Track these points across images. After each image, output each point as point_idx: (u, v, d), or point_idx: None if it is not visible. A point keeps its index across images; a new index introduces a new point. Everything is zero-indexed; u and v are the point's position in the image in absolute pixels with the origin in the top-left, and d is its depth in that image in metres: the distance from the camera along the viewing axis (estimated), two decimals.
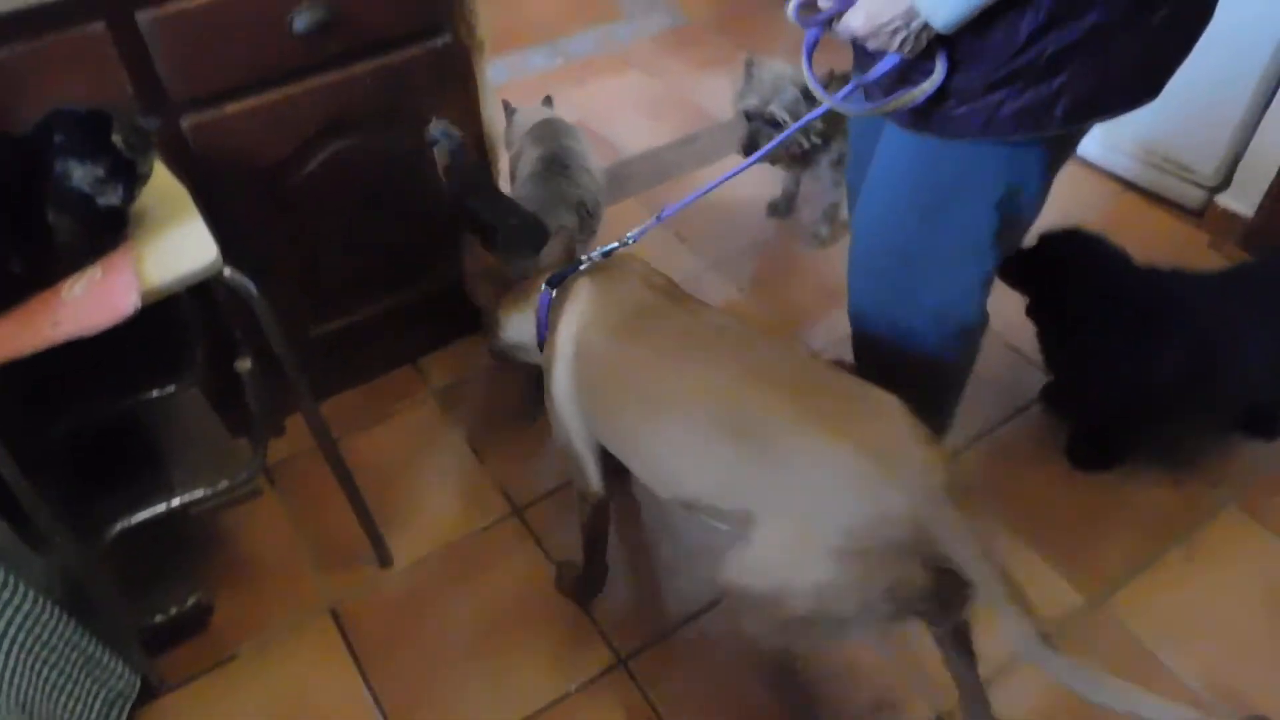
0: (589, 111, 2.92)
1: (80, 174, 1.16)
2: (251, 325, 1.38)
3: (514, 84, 3.13)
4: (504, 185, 2.11)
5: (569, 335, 1.34)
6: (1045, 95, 1.12)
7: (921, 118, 1.21)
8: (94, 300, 1.15)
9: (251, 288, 1.30)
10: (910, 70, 1.18)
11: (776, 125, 2.07)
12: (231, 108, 1.55)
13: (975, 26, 1.07)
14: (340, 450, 1.60)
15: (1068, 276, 1.69)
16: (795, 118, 2.04)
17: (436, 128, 1.71)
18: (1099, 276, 1.69)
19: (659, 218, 1.43)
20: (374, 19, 1.59)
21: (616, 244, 1.44)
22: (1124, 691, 0.96)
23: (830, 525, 1.06)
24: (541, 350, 1.43)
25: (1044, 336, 1.80)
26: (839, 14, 1.13)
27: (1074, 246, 1.71)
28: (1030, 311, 1.78)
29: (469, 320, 2.09)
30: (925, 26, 1.08)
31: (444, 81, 1.73)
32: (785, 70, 2.11)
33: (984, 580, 1.01)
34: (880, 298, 1.47)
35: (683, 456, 1.23)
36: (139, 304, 1.15)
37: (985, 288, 1.43)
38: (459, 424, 1.97)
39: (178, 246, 1.25)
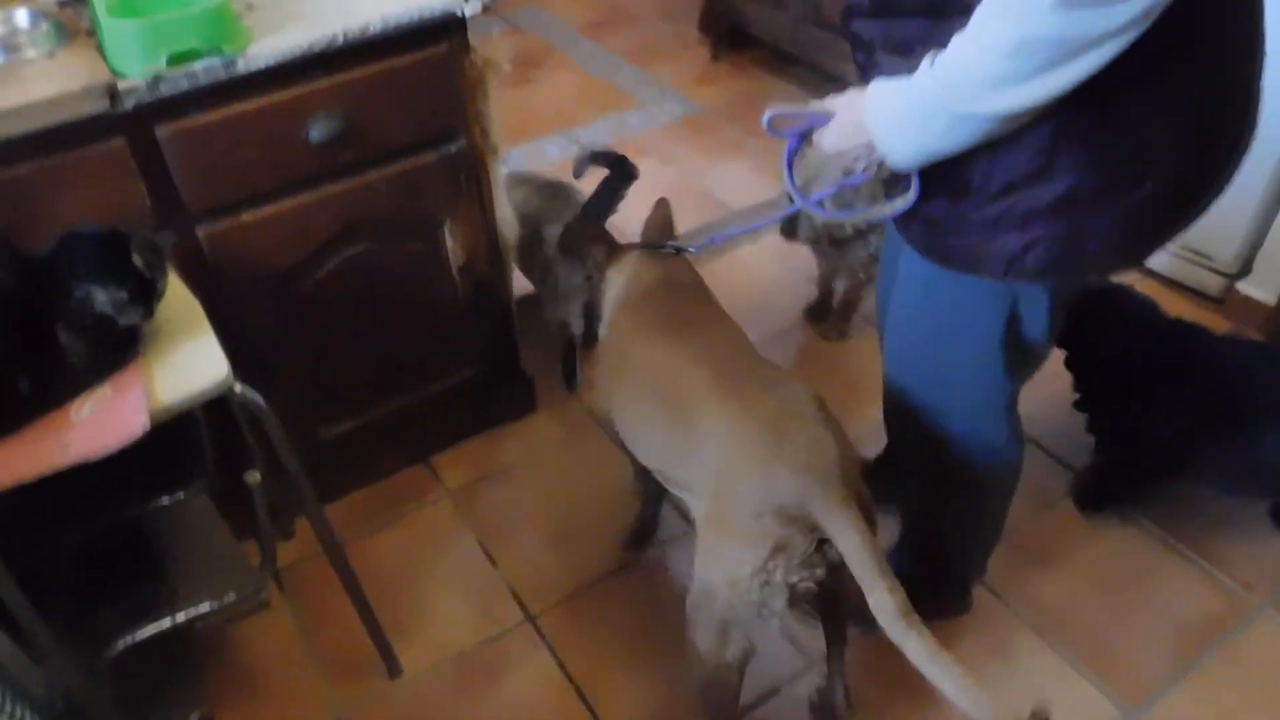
0: None
1: (103, 298, 1.16)
2: (261, 433, 1.36)
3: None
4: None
5: (609, 305, 1.55)
6: (1017, 247, 1.11)
7: (926, 244, 1.21)
8: (103, 421, 1.14)
9: (261, 402, 1.29)
10: (891, 187, 1.18)
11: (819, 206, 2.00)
12: (247, 216, 1.56)
13: (954, 163, 1.06)
14: (350, 553, 1.57)
15: (1099, 324, 1.72)
16: (840, 205, 1.96)
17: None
18: (1127, 323, 1.74)
19: (713, 240, 1.67)
20: (389, 128, 1.60)
21: (676, 246, 1.58)
22: (964, 689, 1.04)
23: (740, 506, 1.18)
24: None
25: (1078, 383, 1.82)
26: (811, 130, 1.18)
27: (1104, 296, 1.75)
28: (1069, 363, 1.81)
29: (481, 417, 2.09)
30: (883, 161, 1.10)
31: (457, 185, 1.74)
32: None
33: (854, 553, 1.11)
34: (910, 417, 1.45)
35: (640, 425, 1.42)
36: (148, 425, 1.14)
37: (1009, 414, 1.41)
38: (471, 526, 1.94)
39: (188, 362, 1.24)
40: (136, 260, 1.19)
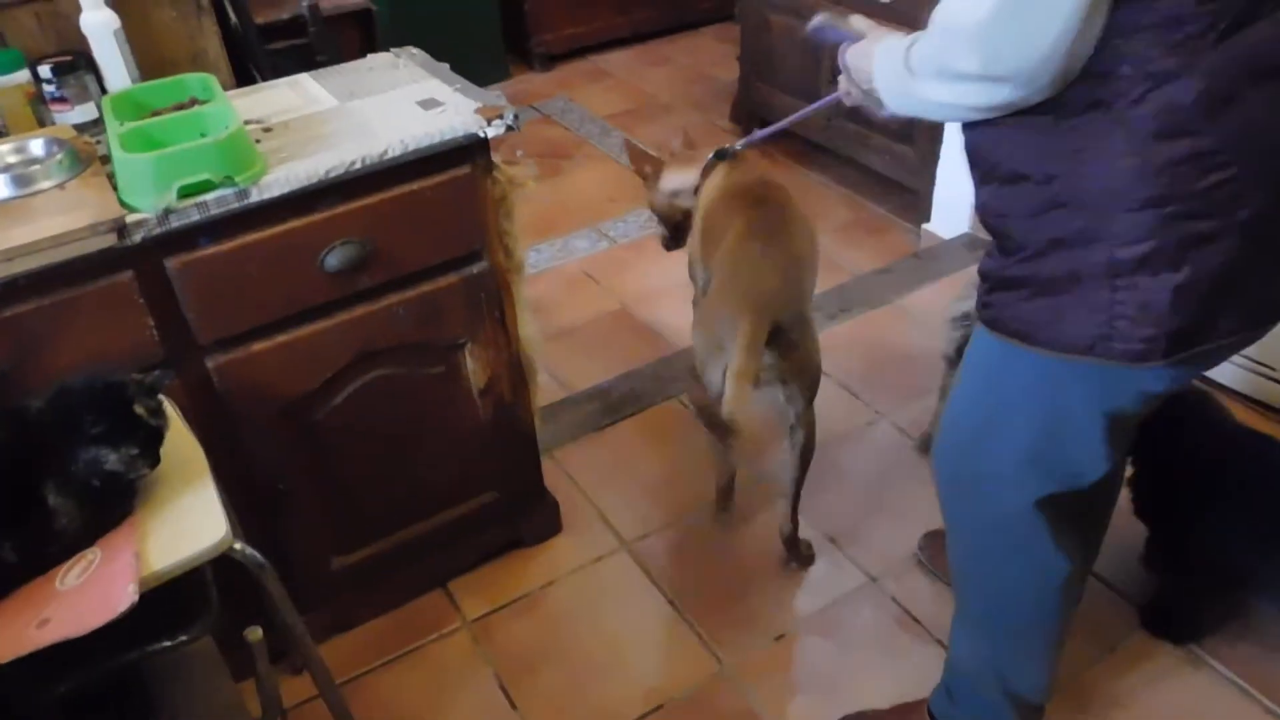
0: (634, 296, 2.88)
1: (115, 458, 1.09)
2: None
3: (557, 270, 3.11)
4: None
5: (704, 193, 1.94)
6: (1033, 314, 1.09)
7: (980, 302, 1.18)
8: (89, 592, 1.05)
9: (261, 560, 1.20)
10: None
11: None
12: (259, 346, 1.49)
13: (997, 209, 1.10)
14: (362, 691, 1.49)
15: (1174, 434, 1.62)
16: None
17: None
18: (1205, 436, 1.65)
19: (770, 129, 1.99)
20: (409, 253, 1.54)
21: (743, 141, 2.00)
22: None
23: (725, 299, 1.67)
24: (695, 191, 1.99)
25: (1144, 496, 1.72)
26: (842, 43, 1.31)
27: (1179, 405, 1.62)
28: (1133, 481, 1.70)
29: (503, 541, 1.99)
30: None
31: (479, 307, 1.67)
32: None
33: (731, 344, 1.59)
34: (948, 491, 1.37)
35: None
36: (136, 597, 1.05)
37: (1043, 519, 1.25)
38: (491, 660, 1.82)
39: (185, 518, 1.15)
40: (139, 409, 1.12)
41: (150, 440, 1.13)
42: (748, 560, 2.00)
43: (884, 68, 1.13)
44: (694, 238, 1.96)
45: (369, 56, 1.78)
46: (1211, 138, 0.94)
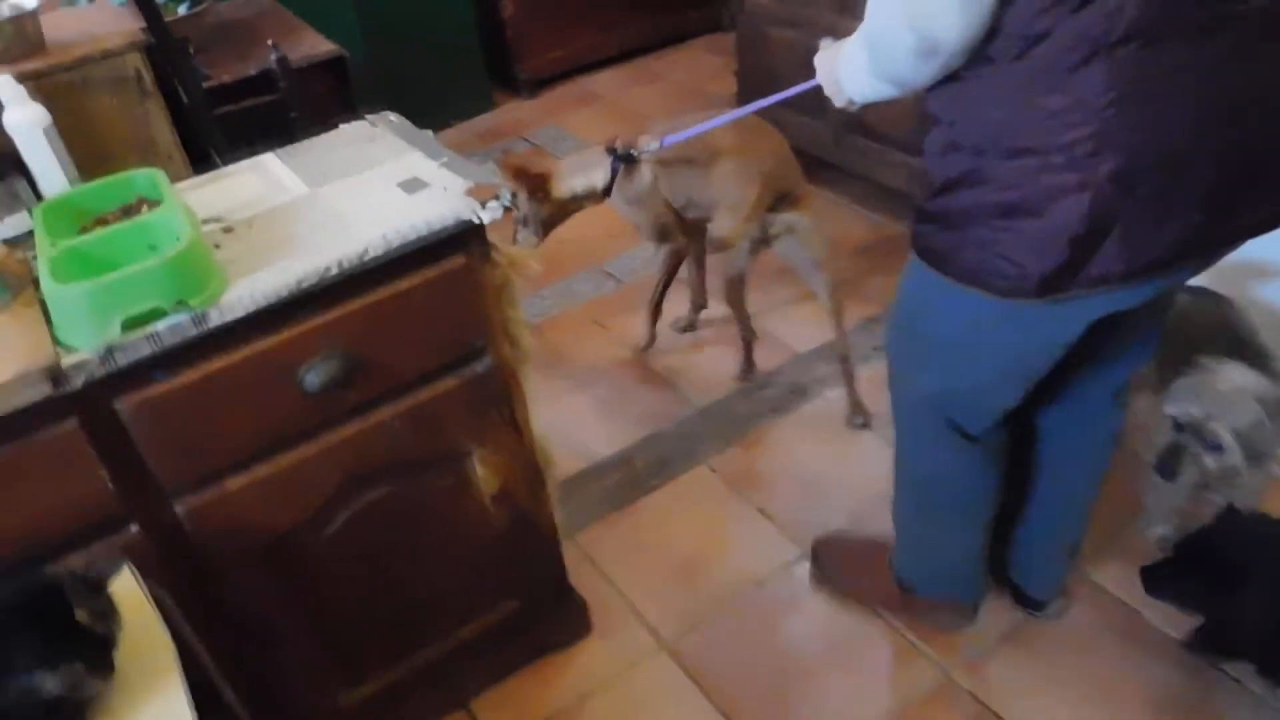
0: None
1: (54, 683, 0.89)
2: None
3: (563, 316, 2.91)
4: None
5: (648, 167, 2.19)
6: (941, 245, 1.25)
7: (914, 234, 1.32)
8: None
9: None
10: None
11: (1215, 449, 1.61)
12: (234, 483, 1.29)
13: (924, 148, 1.25)
14: None
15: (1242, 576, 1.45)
16: (1248, 446, 1.59)
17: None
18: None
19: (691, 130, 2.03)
20: (401, 360, 1.34)
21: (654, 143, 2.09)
22: None
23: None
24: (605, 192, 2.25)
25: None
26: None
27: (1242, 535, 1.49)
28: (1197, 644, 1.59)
29: (528, 650, 1.79)
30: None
31: (485, 409, 1.46)
32: (1249, 380, 1.60)
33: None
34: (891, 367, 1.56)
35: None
36: None
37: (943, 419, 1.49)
38: None
39: None
40: (81, 615, 0.92)
41: (98, 649, 0.92)
42: (802, 653, 1.79)
43: (846, 56, 1.29)
44: (655, 193, 2.22)
45: (341, 128, 1.58)
46: (1071, 96, 1.04)
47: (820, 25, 2.91)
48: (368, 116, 1.59)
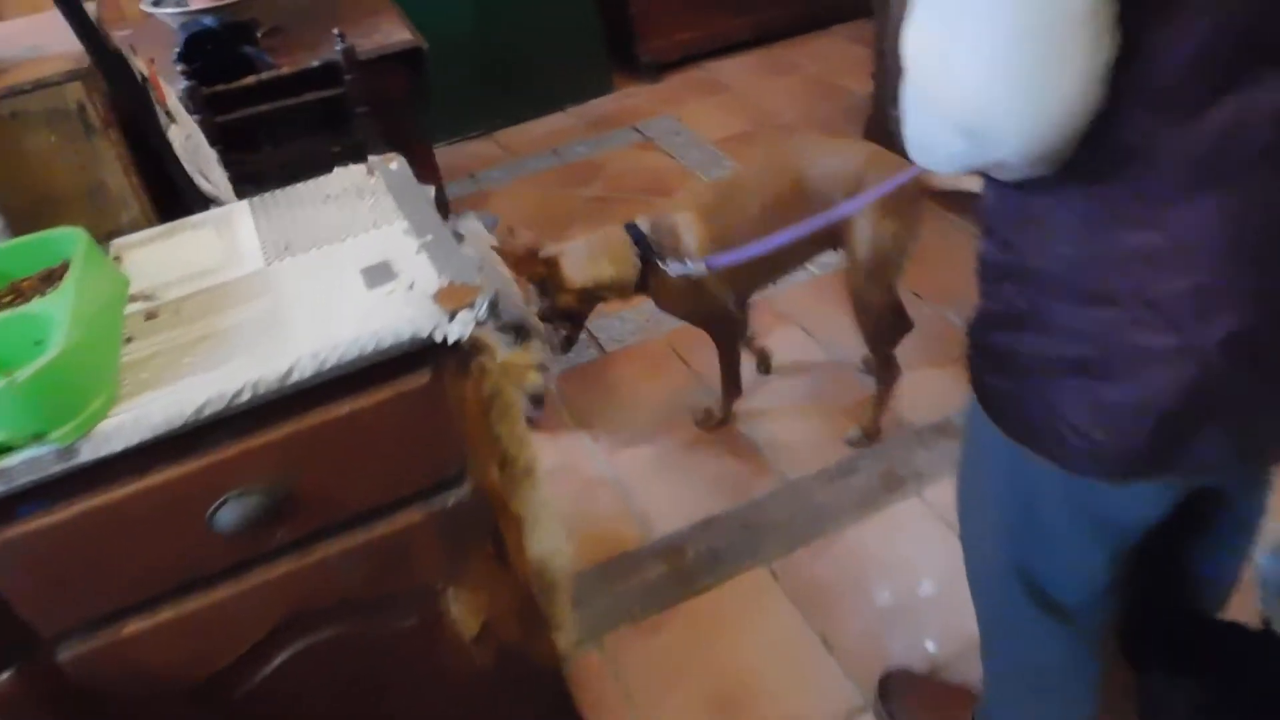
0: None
1: None
2: None
3: (641, 347, 2.61)
4: None
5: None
6: (996, 388, 0.98)
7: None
8: None
9: None
10: None
11: None
12: (134, 628, 1.05)
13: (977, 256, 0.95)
14: None
15: None
16: None
17: None
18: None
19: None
20: (344, 494, 1.07)
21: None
22: None
23: None
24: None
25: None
26: None
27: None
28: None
29: None
30: None
31: (461, 544, 1.18)
32: None
33: None
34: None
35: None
36: None
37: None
38: None
39: None
40: None
41: None
42: None
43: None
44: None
45: (338, 172, 1.31)
46: (1171, 235, 0.77)
47: None
48: (371, 159, 1.32)
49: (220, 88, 2.20)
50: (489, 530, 1.20)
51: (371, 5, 2.59)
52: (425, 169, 2.61)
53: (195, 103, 2.17)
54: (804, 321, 2.59)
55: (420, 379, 1.04)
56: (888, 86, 3.00)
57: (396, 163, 1.30)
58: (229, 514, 1.00)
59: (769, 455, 2.18)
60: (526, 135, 3.89)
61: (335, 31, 2.22)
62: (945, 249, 2.77)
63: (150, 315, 1.07)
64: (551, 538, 1.34)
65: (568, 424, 2.37)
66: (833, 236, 1.93)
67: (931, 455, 2.05)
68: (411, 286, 1.03)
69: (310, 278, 1.09)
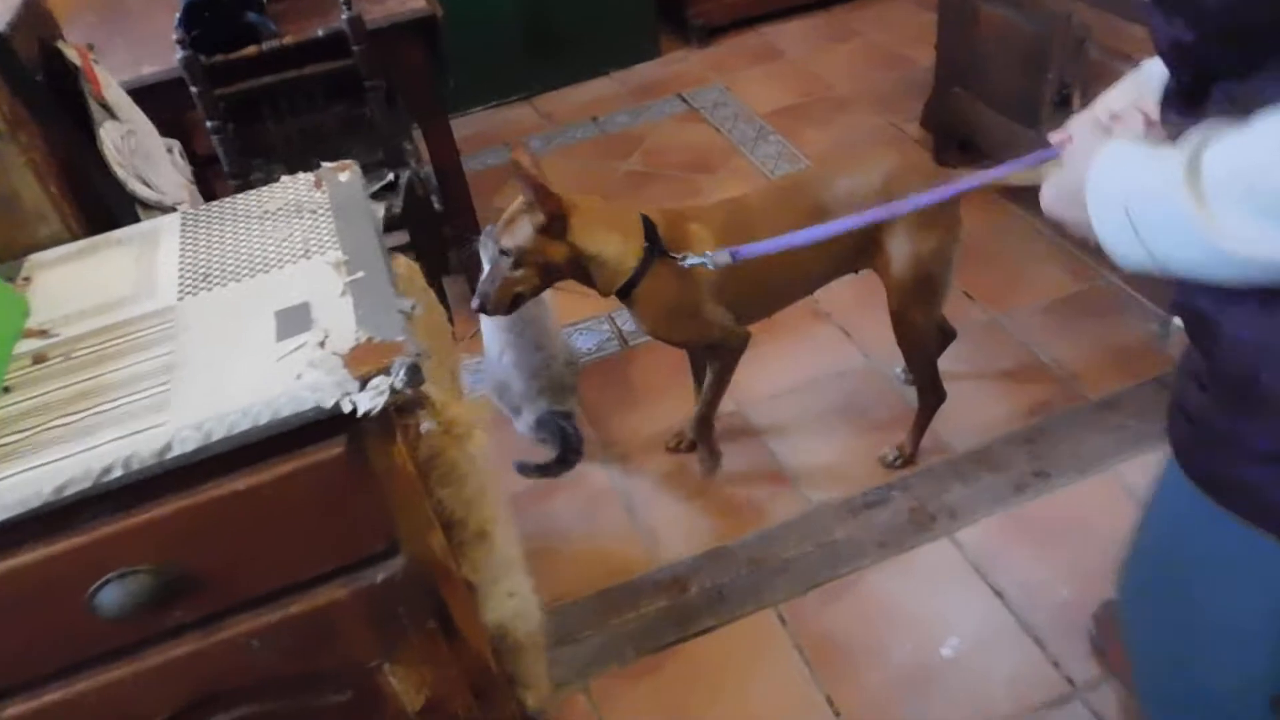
0: (757, 397, 2.16)
1: None
2: None
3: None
4: None
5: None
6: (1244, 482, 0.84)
7: (1187, 448, 0.91)
8: None
9: None
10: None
11: None
12: (15, 710, 0.94)
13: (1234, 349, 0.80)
14: None
15: None
16: None
17: None
18: None
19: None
20: (248, 574, 0.94)
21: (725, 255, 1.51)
22: None
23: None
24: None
25: None
26: None
27: None
28: None
29: None
30: None
31: (395, 619, 1.04)
32: None
33: None
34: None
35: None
36: None
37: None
38: None
39: None
40: None
41: None
42: None
43: (1122, 190, 0.77)
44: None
45: (285, 181, 1.16)
46: None
47: (1047, 9, 2.22)
48: (322, 168, 1.16)
49: (219, 59, 2.06)
50: (429, 604, 1.06)
51: None
52: (442, 144, 2.45)
53: (193, 75, 2.04)
54: (844, 322, 2.39)
55: (332, 450, 0.89)
56: (949, 60, 2.75)
57: (348, 174, 1.15)
58: (112, 596, 0.87)
59: (792, 473, 2.00)
60: (567, 101, 3.70)
61: (341, 0, 2.06)
62: (1002, 244, 2.54)
63: (39, 359, 0.94)
64: (514, 598, 1.19)
65: (580, 423, 2.22)
66: (860, 256, 1.73)
67: (968, 491, 1.85)
68: (324, 342, 0.88)
69: (220, 319, 0.95)
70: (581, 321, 2.53)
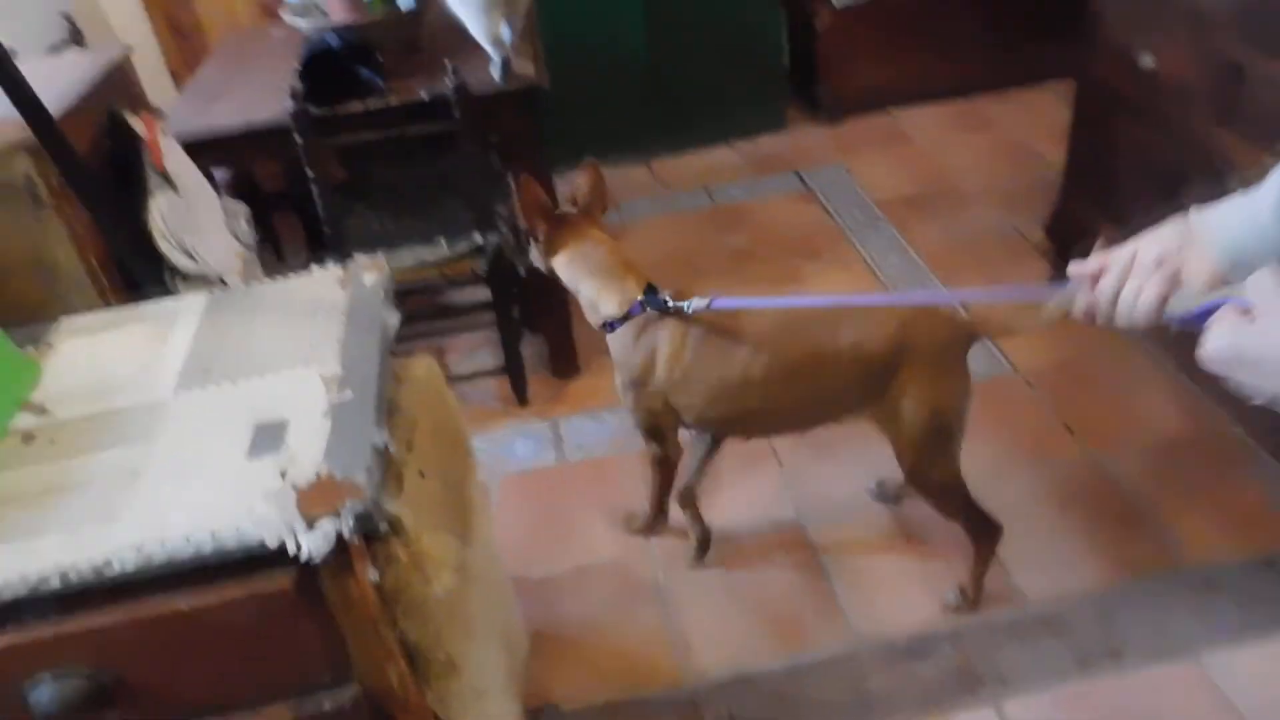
0: (822, 510, 2.05)
1: None
2: None
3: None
4: None
5: (665, 350, 1.62)
6: None
7: None
8: None
9: None
10: None
11: None
12: None
13: None
14: None
15: None
16: None
17: None
18: None
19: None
20: (187, 690, 0.91)
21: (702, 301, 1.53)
22: None
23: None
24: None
25: None
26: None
27: None
28: None
29: None
30: None
31: None
32: None
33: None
34: None
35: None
36: None
37: None
38: None
39: None
40: None
41: None
42: None
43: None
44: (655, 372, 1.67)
45: (315, 272, 1.15)
46: None
47: (1190, 133, 2.05)
48: (351, 265, 1.15)
49: (325, 111, 2.12)
50: None
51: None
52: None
53: (301, 126, 2.10)
54: None
55: (280, 581, 0.85)
56: (1079, 169, 2.58)
57: (374, 275, 1.13)
58: (46, 694, 0.86)
59: (842, 597, 1.88)
60: (684, 167, 3.67)
61: (447, 63, 2.09)
62: (1111, 373, 2.35)
63: (27, 438, 0.94)
64: None
65: (632, 503, 2.15)
66: (861, 403, 1.60)
67: (1025, 655, 1.68)
68: (285, 472, 0.85)
69: (202, 423, 0.93)
70: None
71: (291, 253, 2.96)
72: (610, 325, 1.65)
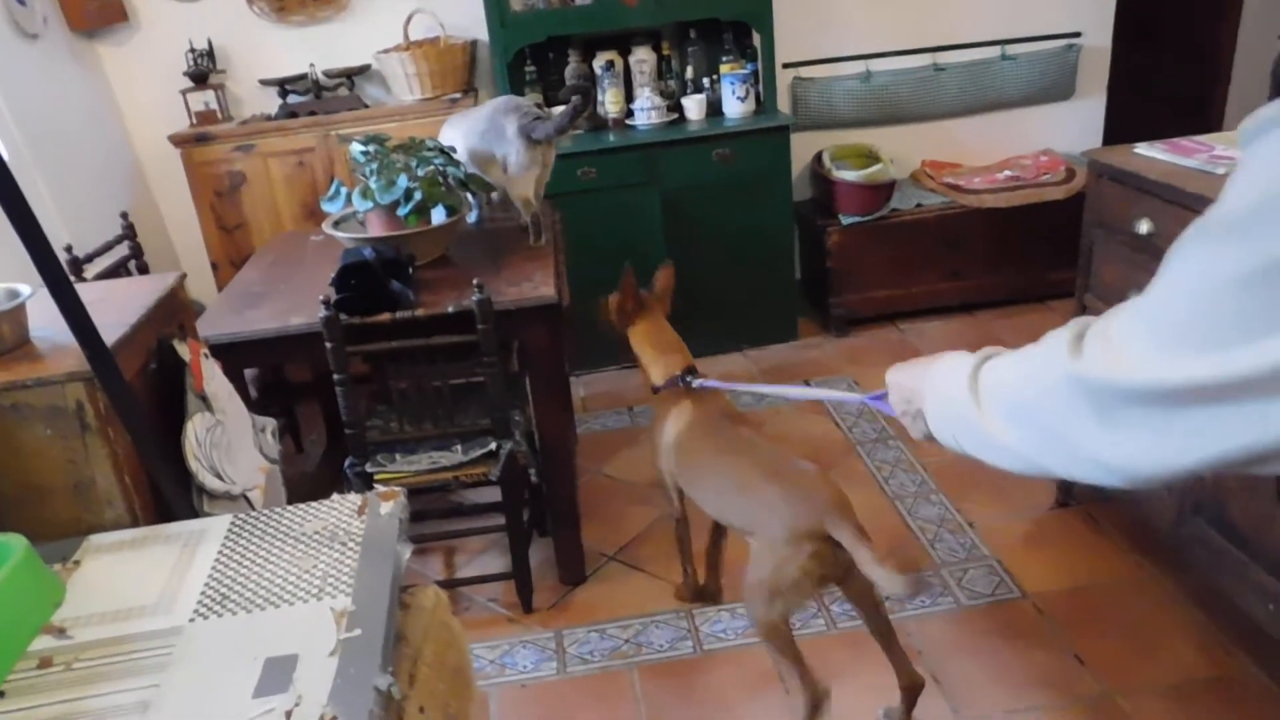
0: None
1: None
2: None
3: (740, 654, 2.32)
4: None
5: (674, 427, 2.09)
6: None
7: None
8: None
9: None
10: None
11: None
12: None
13: None
14: None
15: None
16: None
17: None
18: None
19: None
20: None
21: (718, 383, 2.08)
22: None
23: (777, 532, 1.76)
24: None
25: None
26: None
27: None
28: None
29: None
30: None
31: None
32: None
33: (855, 549, 1.64)
34: None
35: (721, 498, 2.00)
36: None
37: None
38: None
39: None
40: None
41: None
42: None
43: (942, 390, 0.91)
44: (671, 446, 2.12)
45: (335, 499, 1.21)
46: None
47: None
48: (369, 495, 1.20)
49: (355, 321, 2.24)
50: None
51: (535, 253, 2.61)
52: (552, 419, 2.53)
53: (331, 332, 2.21)
54: (937, 667, 2.21)
55: None
56: None
57: (392, 505, 1.18)
58: None
59: None
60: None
61: (475, 281, 2.22)
62: (1128, 607, 2.34)
63: (44, 663, 0.97)
64: None
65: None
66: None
67: None
68: (290, 715, 0.87)
69: (216, 653, 0.96)
70: None
71: (311, 444, 3.03)
72: (655, 389, 2.14)
